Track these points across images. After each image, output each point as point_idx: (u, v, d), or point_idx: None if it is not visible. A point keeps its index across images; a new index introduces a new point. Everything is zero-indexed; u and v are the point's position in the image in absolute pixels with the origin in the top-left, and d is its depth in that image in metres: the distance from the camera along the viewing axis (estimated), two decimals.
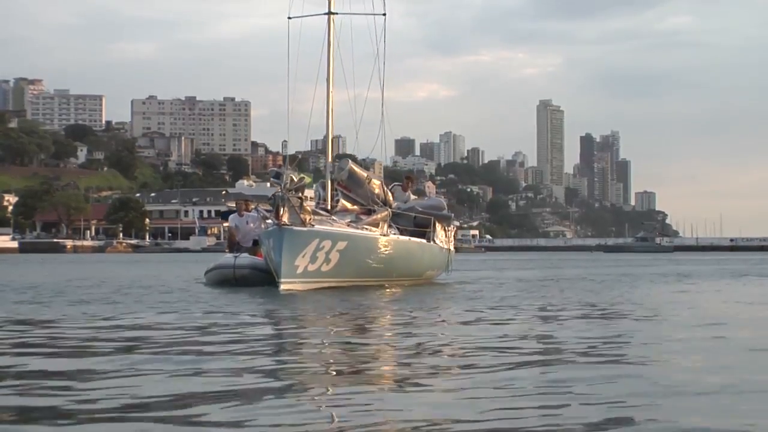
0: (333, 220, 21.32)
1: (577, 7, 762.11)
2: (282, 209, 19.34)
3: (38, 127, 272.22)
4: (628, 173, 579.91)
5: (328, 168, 24.36)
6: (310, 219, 19.75)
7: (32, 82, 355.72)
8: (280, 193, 19.45)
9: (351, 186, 23.31)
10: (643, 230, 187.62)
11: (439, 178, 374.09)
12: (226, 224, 24.97)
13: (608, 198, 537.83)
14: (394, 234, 23.02)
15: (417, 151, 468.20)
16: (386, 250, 22.14)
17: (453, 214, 29.25)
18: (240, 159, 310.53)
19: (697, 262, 58.64)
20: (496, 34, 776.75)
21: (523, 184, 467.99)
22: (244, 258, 22.28)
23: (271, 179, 20.55)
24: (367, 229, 21.91)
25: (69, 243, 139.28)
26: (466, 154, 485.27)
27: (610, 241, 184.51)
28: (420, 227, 24.61)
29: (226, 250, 24.52)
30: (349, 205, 23.12)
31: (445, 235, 26.61)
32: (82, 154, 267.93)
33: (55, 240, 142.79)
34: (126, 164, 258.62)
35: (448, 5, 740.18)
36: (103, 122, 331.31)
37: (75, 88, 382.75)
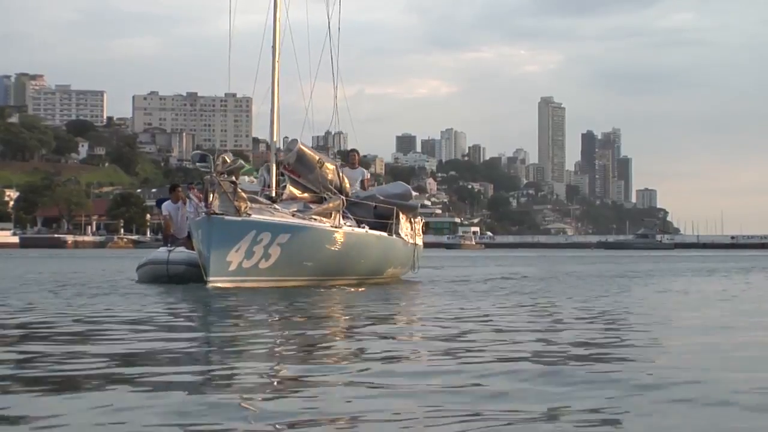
0: (274, 208, 18.48)
1: (579, 4, 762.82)
2: (212, 195, 16.82)
3: (39, 123, 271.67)
4: (629, 170, 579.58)
5: (273, 148, 21.47)
6: (245, 207, 17.09)
7: (34, 77, 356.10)
8: (209, 177, 16.90)
9: (300, 170, 20.41)
10: (643, 227, 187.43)
11: (440, 174, 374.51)
12: (165, 214, 21.76)
13: (609, 195, 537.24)
14: (350, 226, 19.89)
15: (418, 148, 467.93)
16: (338, 245, 19.05)
17: (419, 204, 25.98)
18: (241, 155, 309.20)
19: (717, 259, 58.36)
20: (497, 31, 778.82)
21: (524, 181, 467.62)
22: (179, 253, 19.60)
23: (196, 164, 17.76)
24: (316, 219, 18.98)
25: (70, 238, 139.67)
26: (467, 151, 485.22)
27: (611, 238, 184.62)
28: (381, 218, 21.45)
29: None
30: (297, 193, 20.23)
31: (411, 228, 23.40)
32: (83, 149, 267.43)
33: (56, 235, 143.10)
34: (127, 160, 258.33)
35: (450, 1, 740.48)
36: (105, 118, 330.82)
37: (76, 83, 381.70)
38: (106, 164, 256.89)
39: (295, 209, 19.04)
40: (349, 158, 23.61)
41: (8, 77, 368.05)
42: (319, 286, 18.27)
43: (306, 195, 20.21)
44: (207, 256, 16.83)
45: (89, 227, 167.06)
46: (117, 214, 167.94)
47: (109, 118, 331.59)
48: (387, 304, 14.28)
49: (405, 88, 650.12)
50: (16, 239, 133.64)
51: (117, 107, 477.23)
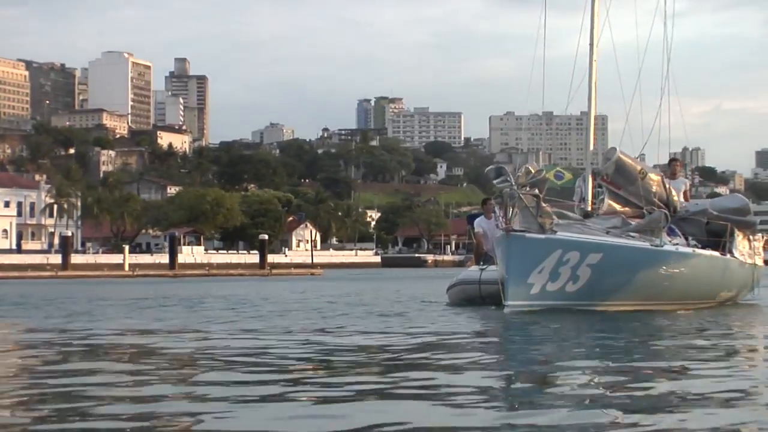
0: (584, 224, 17.11)
1: None
2: (511, 210, 15.42)
3: (399, 145, 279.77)
4: None
5: (588, 158, 20.26)
6: (550, 223, 15.68)
7: (392, 100, 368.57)
8: (509, 190, 15.50)
9: (619, 182, 18.49)
10: None
11: None
12: (478, 230, 20.03)
13: None
14: (676, 244, 18.00)
15: None
16: (661, 265, 17.23)
17: (758, 219, 23.44)
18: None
19: None
20: None
21: None
22: (492, 271, 17.71)
23: (495, 182, 16.40)
24: (635, 237, 17.25)
25: (430, 258, 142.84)
26: None
27: None
28: (714, 235, 19.21)
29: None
30: (617, 207, 18.40)
31: (749, 247, 20.93)
32: (441, 170, 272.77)
33: (416, 255, 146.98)
34: (485, 180, 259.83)
35: None
36: (462, 139, 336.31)
37: (434, 105, 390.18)
38: (464, 184, 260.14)
39: (612, 225, 17.56)
40: (670, 168, 21.58)
41: (368, 101, 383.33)
42: (637, 312, 16.39)
43: (627, 209, 18.46)
44: (506, 277, 15.77)
45: (448, 247, 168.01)
46: None
47: (467, 139, 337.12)
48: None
49: (765, 101, 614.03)
50: (378, 258, 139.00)
51: (474, 128, 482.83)
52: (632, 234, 17.38)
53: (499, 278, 16.38)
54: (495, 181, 16.33)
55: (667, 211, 18.25)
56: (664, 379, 7.55)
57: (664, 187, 19.01)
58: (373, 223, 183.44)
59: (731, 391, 6.67)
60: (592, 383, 7.30)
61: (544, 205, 15.92)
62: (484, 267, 18.69)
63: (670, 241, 17.79)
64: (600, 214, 18.33)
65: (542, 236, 15.58)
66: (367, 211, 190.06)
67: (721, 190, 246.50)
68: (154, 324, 14.60)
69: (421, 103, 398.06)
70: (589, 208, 18.93)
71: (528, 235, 15.50)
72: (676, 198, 19.39)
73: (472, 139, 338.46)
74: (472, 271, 19.37)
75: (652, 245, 17.12)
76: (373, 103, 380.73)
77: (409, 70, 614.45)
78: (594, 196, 19.36)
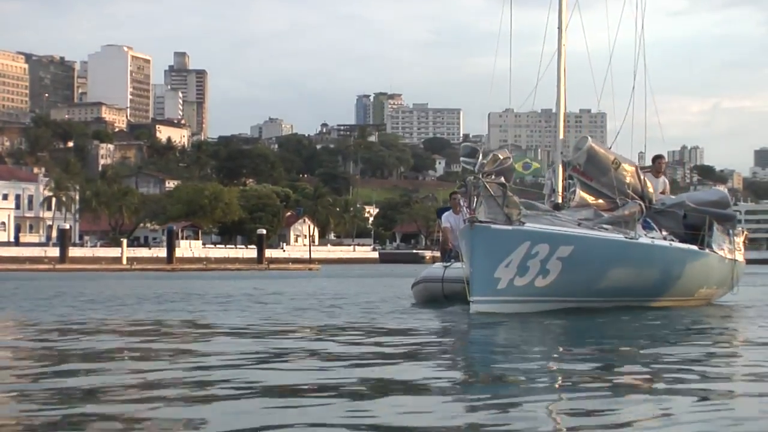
0: (554, 216, 16.23)
1: None
2: (476, 200, 14.51)
3: (398, 141, 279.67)
4: None
5: (559, 147, 19.52)
6: (518, 214, 14.72)
7: (392, 96, 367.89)
8: (473, 178, 14.60)
9: (591, 172, 17.56)
10: None
11: None
12: (445, 225, 18.96)
13: None
14: (651, 237, 17.25)
15: None
16: (636, 259, 16.38)
17: (737, 213, 22.55)
18: None
19: None
20: None
21: None
22: (457, 269, 16.79)
23: (461, 159, 15.49)
24: (608, 230, 16.43)
25: (428, 254, 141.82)
26: None
27: None
28: (692, 228, 18.33)
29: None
30: (589, 199, 17.52)
31: (729, 241, 20.01)
32: (440, 166, 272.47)
33: (414, 251, 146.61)
34: None
35: None
36: (461, 135, 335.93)
37: (433, 101, 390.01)
38: None
39: (583, 217, 16.76)
40: (654, 165, 20.39)
41: (367, 97, 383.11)
42: (611, 309, 15.87)
43: (600, 201, 17.61)
44: (470, 271, 14.85)
45: None
46: None
47: (465, 136, 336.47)
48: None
49: (764, 101, 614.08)
50: (375, 254, 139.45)
51: (473, 125, 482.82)
52: (605, 226, 16.60)
53: (464, 276, 15.32)
54: (463, 159, 15.37)
55: (642, 203, 17.65)
56: (634, 396, 6.69)
57: (639, 178, 18.15)
58: (372, 218, 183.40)
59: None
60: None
61: (510, 194, 14.97)
62: (449, 264, 17.79)
63: (645, 234, 17.11)
64: (571, 207, 17.48)
65: (509, 227, 14.60)
66: (366, 207, 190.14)
67: (720, 189, 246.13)
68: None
69: (420, 99, 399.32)
70: (560, 200, 18.12)
71: (494, 226, 14.52)
72: (651, 190, 18.47)
73: (471, 136, 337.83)
74: (436, 268, 18.53)
75: (626, 238, 16.35)
76: (372, 98, 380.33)
77: (408, 66, 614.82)
78: (565, 189, 18.43)
